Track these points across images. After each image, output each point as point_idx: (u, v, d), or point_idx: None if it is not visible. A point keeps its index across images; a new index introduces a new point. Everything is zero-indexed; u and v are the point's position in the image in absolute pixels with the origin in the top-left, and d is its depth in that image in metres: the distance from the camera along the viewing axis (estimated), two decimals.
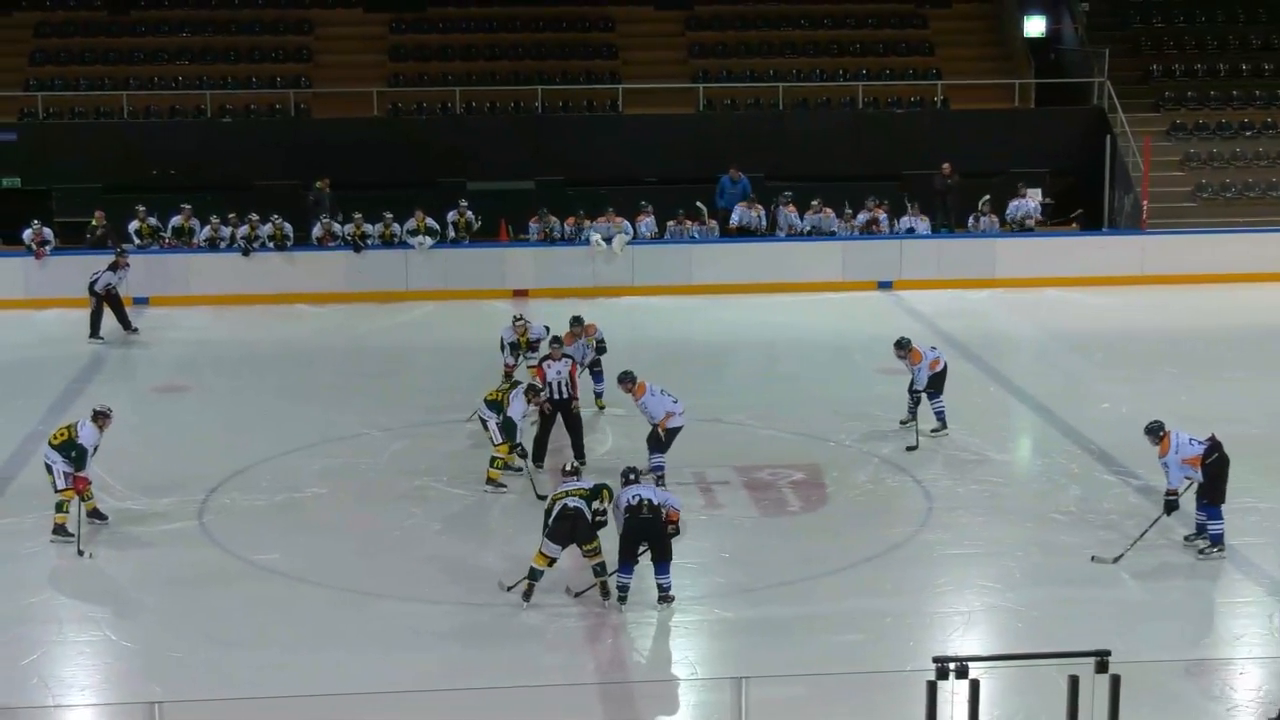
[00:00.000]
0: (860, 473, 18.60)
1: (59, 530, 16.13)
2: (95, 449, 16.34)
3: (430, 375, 21.38)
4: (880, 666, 12.91)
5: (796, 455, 19.20)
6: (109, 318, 26.00)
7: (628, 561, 14.46)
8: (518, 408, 17.60)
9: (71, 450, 16.12)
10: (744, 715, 8.41)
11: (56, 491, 16.18)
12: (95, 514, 16.61)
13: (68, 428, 16.44)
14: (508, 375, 20.36)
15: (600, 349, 20.81)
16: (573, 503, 14.54)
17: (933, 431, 19.52)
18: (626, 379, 17.92)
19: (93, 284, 25.91)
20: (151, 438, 20.35)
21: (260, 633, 14.03)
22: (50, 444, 16.33)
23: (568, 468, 15.44)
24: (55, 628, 14.32)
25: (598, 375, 20.88)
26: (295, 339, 26.70)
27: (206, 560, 15.85)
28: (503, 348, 20.98)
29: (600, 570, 14.56)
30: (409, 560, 15.79)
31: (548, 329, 20.53)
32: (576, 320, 20.66)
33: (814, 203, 30.45)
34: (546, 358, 18.92)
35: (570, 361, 19.06)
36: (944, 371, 19.74)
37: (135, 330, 26.35)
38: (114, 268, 26.14)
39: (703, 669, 13.37)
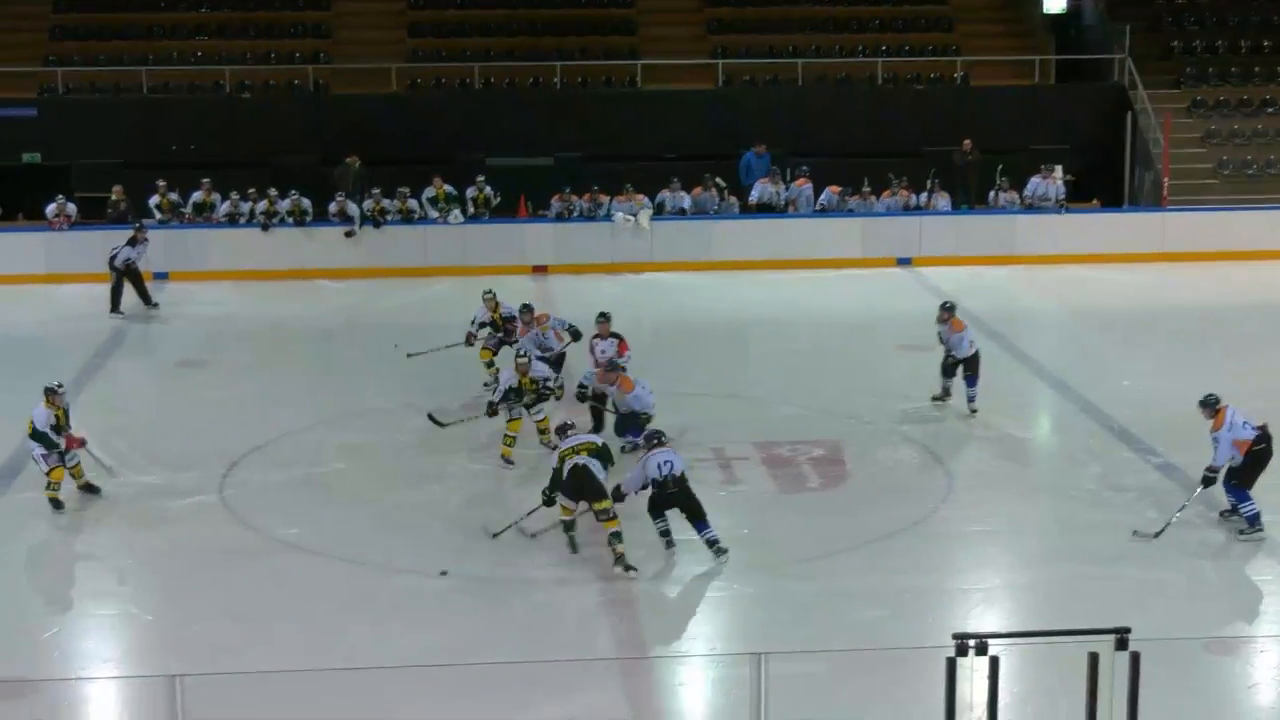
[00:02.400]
0: (880, 449, 18.59)
1: (55, 504, 16.36)
2: (56, 423, 16.42)
3: (450, 351, 21.30)
4: (900, 643, 12.90)
5: (816, 431, 19.17)
6: (129, 293, 26.04)
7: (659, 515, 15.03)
8: (505, 375, 17.87)
9: (35, 436, 16.32)
10: (763, 691, 8.41)
11: (44, 475, 16.44)
12: (88, 487, 16.75)
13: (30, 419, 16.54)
14: (468, 341, 20.80)
15: (574, 335, 20.10)
16: (581, 460, 14.80)
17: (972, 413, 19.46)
18: (615, 369, 17.94)
19: (112, 259, 25.96)
20: (172, 412, 20.45)
21: (281, 607, 14.07)
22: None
23: (564, 423, 15.86)
24: (76, 601, 14.45)
25: (558, 366, 19.74)
26: (315, 314, 26.73)
27: (227, 535, 15.90)
28: (473, 323, 20.93)
29: (616, 540, 14.67)
30: (429, 535, 15.81)
31: (529, 306, 20.47)
32: (526, 308, 20.24)
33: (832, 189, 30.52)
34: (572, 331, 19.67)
35: (617, 340, 19.03)
36: (978, 355, 19.60)
37: (155, 305, 26.40)
38: (133, 242, 26.17)
39: (721, 645, 13.38)
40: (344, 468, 18.05)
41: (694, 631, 13.86)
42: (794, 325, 25.73)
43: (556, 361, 19.57)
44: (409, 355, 21.70)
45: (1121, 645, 8.00)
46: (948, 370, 19.73)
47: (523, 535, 15.30)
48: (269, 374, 22.36)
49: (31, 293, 27.75)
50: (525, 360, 17.90)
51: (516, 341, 19.78)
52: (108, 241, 26.68)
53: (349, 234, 29.20)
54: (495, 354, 20.51)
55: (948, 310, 19.56)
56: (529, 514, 15.37)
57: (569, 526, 15.14)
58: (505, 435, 17.72)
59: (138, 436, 18.84)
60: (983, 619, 13.78)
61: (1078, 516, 16.26)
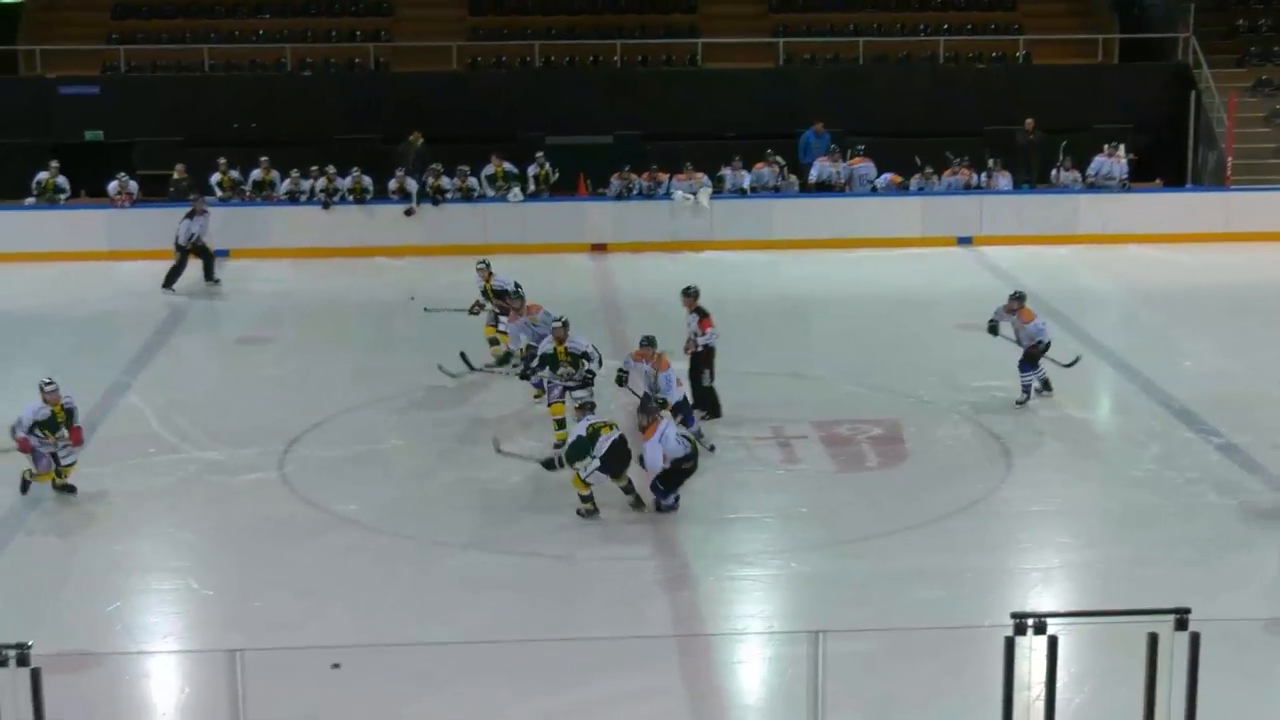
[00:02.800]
0: (939, 428, 18.54)
1: (24, 486, 16.22)
2: (52, 418, 16.01)
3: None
4: (958, 622, 12.88)
5: (875, 410, 19.17)
6: (192, 270, 26.24)
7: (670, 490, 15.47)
8: (514, 332, 18.89)
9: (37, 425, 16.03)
10: (820, 669, 8.42)
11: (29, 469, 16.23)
12: (66, 487, 16.29)
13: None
14: (473, 310, 21.09)
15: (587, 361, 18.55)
16: (618, 434, 15.33)
17: (1017, 403, 19.17)
18: (650, 343, 17.18)
19: (177, 239, 26.17)
20: (233, 389, 20.60)
21: (338, 582, 14.15)
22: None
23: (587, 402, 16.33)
24: (138, 576, 14.53)
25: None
26: (375, 291, 26.85)
27: (286, 510, 16.01)
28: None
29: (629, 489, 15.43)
30: (487, 512, 15.89)
31: (517, 285, 20.51)
32: (517, 290, 20.23)
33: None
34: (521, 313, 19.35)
35: (700, 316, 18.62)
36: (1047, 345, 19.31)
37: (217, 282, 26.59)
38: (191, 215, 26.37)
39: (779, 623, 13.37)
40: (402, 444, 18.14)
41: (751, 610, 13.83)
42: (854, 304, 25.73)
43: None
44: (425, 310, 21.87)
45: (1181, 626, 7.98)
46: (1033, 353, 19.12)
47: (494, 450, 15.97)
48: (328, 351, 22.46)
49: (93, 270, 28.03)
50: (561, 326, 17.80)
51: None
52: (169, 219, 26.92)
53: (408, 212, 29.35)
54: (496, 329, 20.48)
55: (1018, 300, 19.20)
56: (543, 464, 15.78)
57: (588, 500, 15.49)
58: (554, 421, 17.71)
59: (199, 413, 18.98)
60: (1041, 599, 13.78)
61: (1138, 497, 16.20)
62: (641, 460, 15.39)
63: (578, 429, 15.53)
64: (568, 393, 17.65)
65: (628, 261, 28.25)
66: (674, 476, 15.47)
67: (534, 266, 27.96)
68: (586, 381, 17.77)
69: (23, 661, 7.42)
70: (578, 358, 17.73)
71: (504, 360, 20.17)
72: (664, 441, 15.30)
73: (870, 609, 13.40)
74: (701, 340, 18.46)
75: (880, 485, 16.88)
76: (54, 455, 16.14)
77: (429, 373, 20.57)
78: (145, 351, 22.06)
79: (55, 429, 15.97)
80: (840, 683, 8.67)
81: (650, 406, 15.79)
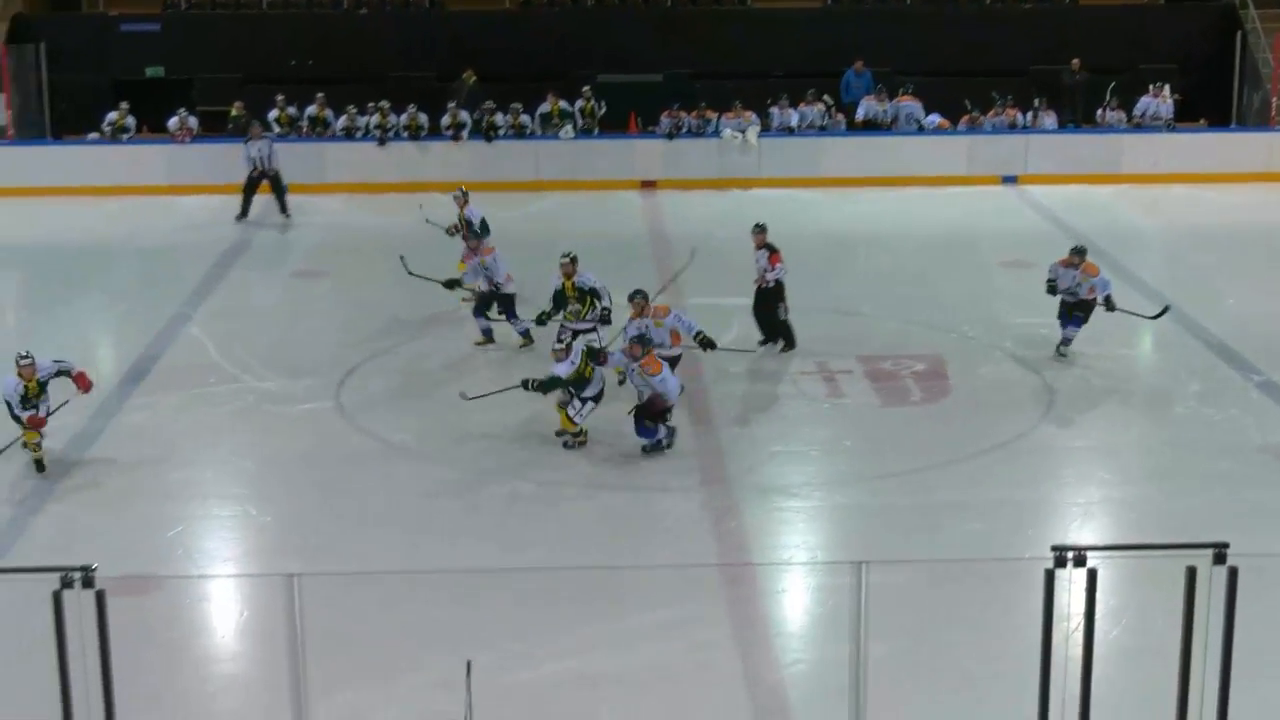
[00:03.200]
0: (982, 364, 18.77)
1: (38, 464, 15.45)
2: (26, 394, 15.17)
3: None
4: (999, 555, 13.12)
5: (919, 346, 19.41)
6: (260, 201, 26.65)
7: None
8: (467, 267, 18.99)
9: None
10: (863, 598, 8.66)
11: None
12: (38, 464, 15.41)
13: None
14: (449, 232, 21.81)
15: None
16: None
17: (1058, 351, 18.96)
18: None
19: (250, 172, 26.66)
20: (291, 321, 20.96)
21: (393, 510, 14.50)
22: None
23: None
24: (199, 503, 14.88)
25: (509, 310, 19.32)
26: (429, 226, 27.02)
27: (342, 439, 16.36)
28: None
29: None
30: (541, 443, 16.15)
31: (484, 221, 21.25)
32: (482, 228, 20.48)
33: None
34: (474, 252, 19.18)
35: (769, 252, 18.83)
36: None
37: (288, 216, 26.89)
38: (248, 140, 26.83)
39: (822, 554, 13.64)
40: (458, 376, 18.42)
41: (794, 540, 14.12)
42: (899, 242, 25.85)
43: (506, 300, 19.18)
44: (427, 221, 22.40)
45: (1219, 560, 8.02)
46: (1106, 304, 18.62)
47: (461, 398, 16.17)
48: (385, 283, 22.69)
49: (154, 204, 28.37)
50: (569, 261, 17.75)
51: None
52: (228, 154, 27.43)
53: (456, 139, 29.57)
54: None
55: (1079, 254, 18.84)
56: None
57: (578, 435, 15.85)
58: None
59: (257, 345, 19.37)
60: (1081, 533, 14.00)
61: (1178, 433, 16.42)
62: (647, 400, 15.48)
63: (559, 368, 15.66)
64: (579, 336, 17.39)
65: (677, 199, 28.43)
66: (663, 414, 15.62)
67: (584, 203, 28.29)
68: (604, 319, 17.75)
69: (88, 584, 7.58)
70: (586, 294, 17.74)
71: (450, 285, 19.96)
72: (667, 376, 15.55)
73: (912, 541, 13.66)
74: (771, 275, 18.73)
75: (923, 420, 17.11)
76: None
77: None
78: (206, 283, 22.42)
79: (31, 404, 15.20)
80: (882, 612, 8.90)
81: (645, 340, 15.75)
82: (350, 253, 25.36)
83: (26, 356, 15.18)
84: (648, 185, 29.68)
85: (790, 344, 18.91)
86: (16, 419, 15.26)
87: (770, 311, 18.91)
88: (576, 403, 15.66)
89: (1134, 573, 11.75)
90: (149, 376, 18.05)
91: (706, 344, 17.02)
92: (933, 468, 15.48)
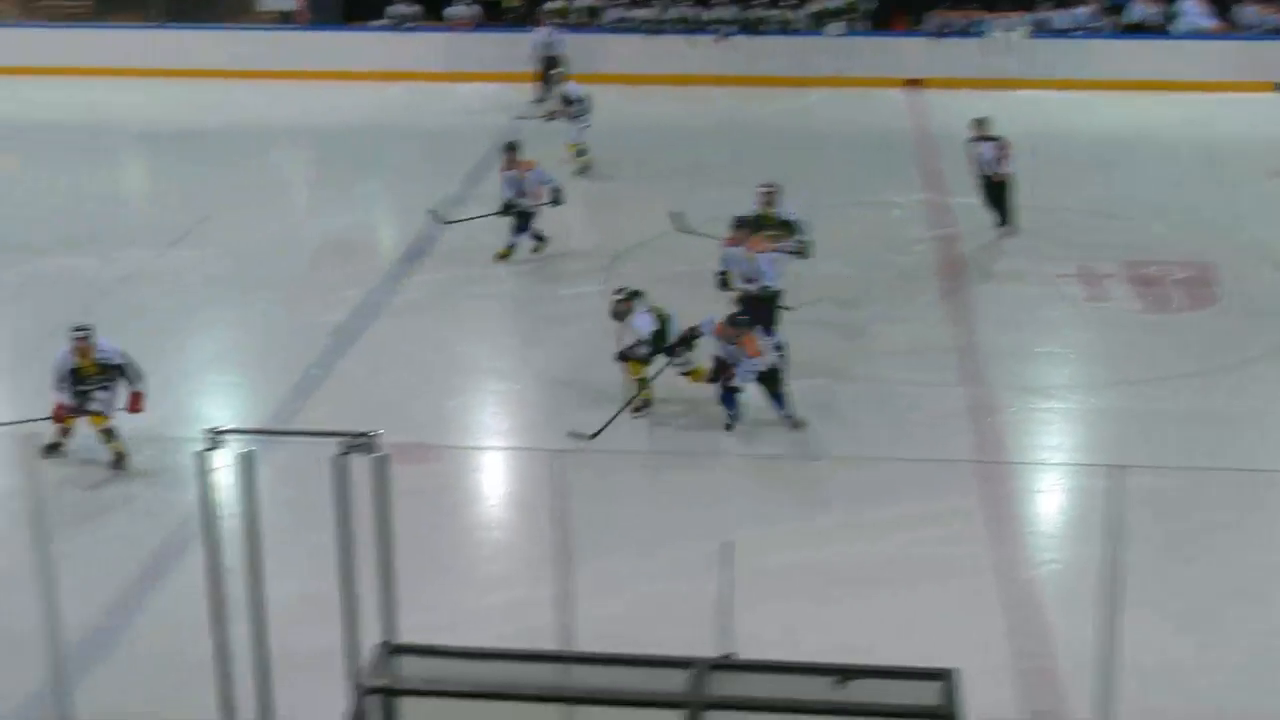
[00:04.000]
0: (1250, 273, 18.49)
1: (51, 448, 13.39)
2: (77, 372, 13.12)
3: (820, 162, 21.76)
4: (1261, 465, 13.08)
5: (1184, 253, 19.20)
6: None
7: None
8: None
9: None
10: (1121, 503, 8.73)
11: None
12: (117, 459, 13.34)
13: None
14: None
15: (556, 199, 18.78)
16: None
17: None
18: (742, 225, 15.67)
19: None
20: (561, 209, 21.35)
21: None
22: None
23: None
24: (477, 378, 15.62)
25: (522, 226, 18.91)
26: (696, 119, 27.21)
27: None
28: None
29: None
30: (808, 338, 15.82)
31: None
32: (510, 147, 19.19)
33: None
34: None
35: (996, 142, 19.34)
36: None
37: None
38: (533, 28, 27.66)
39: (1079, 457, 13.71)
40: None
41: (1052, 442, 14.27)
42: (1169, 146, 25.37)
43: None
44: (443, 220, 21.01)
45: None
46: None
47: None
48: (652, 176, 22.98)
49: (433, 90, 29.01)
50: (768, 191, 17.07)
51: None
52: (505, 43, 28.18)
53: (718, 39, 29.70)
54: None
55: None
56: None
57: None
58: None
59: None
60: None
61: None
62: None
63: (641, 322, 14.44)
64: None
65: (942, 99, 28.25)
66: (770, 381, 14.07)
67: (847, 100, 28.24)
68: (800, 253, 16.61)
69: (371, 449, 7.92)
70: (783, 224, 16.92)
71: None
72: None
73: (1170, 448, 13.60)
74: (1004, 169, 19.15)
75: (1187, 327, 17.00)
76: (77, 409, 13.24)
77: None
78: (478, 170, 22.91)
79: (83, 386, 13.12)
80: (1140, 518, 8.99)
81: (739, 321, 14.02)
82: (620, 143, 25.40)
83: (82, 330, 13.09)
84: (913, 84, 29.48)
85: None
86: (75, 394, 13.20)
87: (1004, 198, 19.35)
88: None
89: None
90: (428, 256, 18.70)
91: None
92: (1194, 375, 15.42)
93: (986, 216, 19.55)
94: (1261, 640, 10.63)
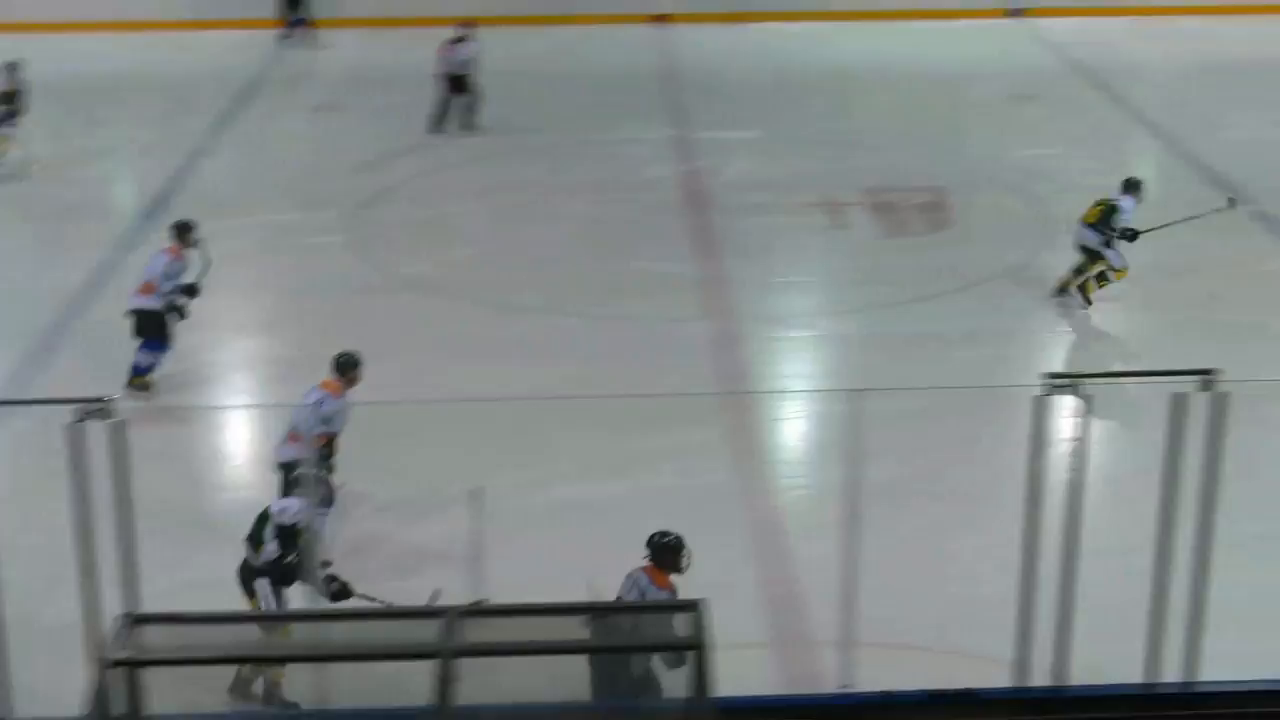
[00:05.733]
0: (984, 196, 19.04)
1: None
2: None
3: (566, 101, 21.71)
4: (995, 381, 13.37)
5: (923, 178, 19.60)
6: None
7: None
8: None
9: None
10: (859, 425, 8.89)
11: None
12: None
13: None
14: None
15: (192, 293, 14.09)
16: None
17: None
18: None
19: None
20: (307, 155, 21.09)
21: (405, 342, 14.69)
22: None
23: None
24: (216, 334, 15.18)
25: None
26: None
27: (357, 272, 16.64)
28: None
29: None
30: (553, 276, 16.51)
31: None
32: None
33: None
34: None
35: None
36: None
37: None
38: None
39: (822, 382, 14.00)
40: (474, 209, 18.81)
41: (796, 369, 14.55)
42: (907, 76, 25.73)
43: None
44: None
45: (1206, 387, 8.09)
46: None
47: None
48: (400, 120, 22.73)
49: (177, 39, 28.24)
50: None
51: None
52: None
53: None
54: None
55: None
56: None
57: None
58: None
59: (275, 177, 19.55)
60: (1075, 359, 14.36)
61: (1171, 261, 16.58)
62: None
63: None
64: None
65: (688, 33, 28.20)
66: None
67: (594, 38, 28.07)
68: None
69: (107, 414, 7.69)
70: None
71: None
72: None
73: (912, 369, 13.92)
74: None
75: (926, 250, 17.41)
76: None
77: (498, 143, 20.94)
78: (224, 118, 22.47)
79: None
80: (881, 439, 9.16)
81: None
82: (368, 88, 25.17)
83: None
84: (659, 19, 29.40)
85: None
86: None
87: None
88: None
89: (1126, 400, 12.00)
90: (168, 209, 18.32)
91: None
92: (933, 297, 15.81)
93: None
94: (993, 552, 10.89)
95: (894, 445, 11.42)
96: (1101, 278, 15.40)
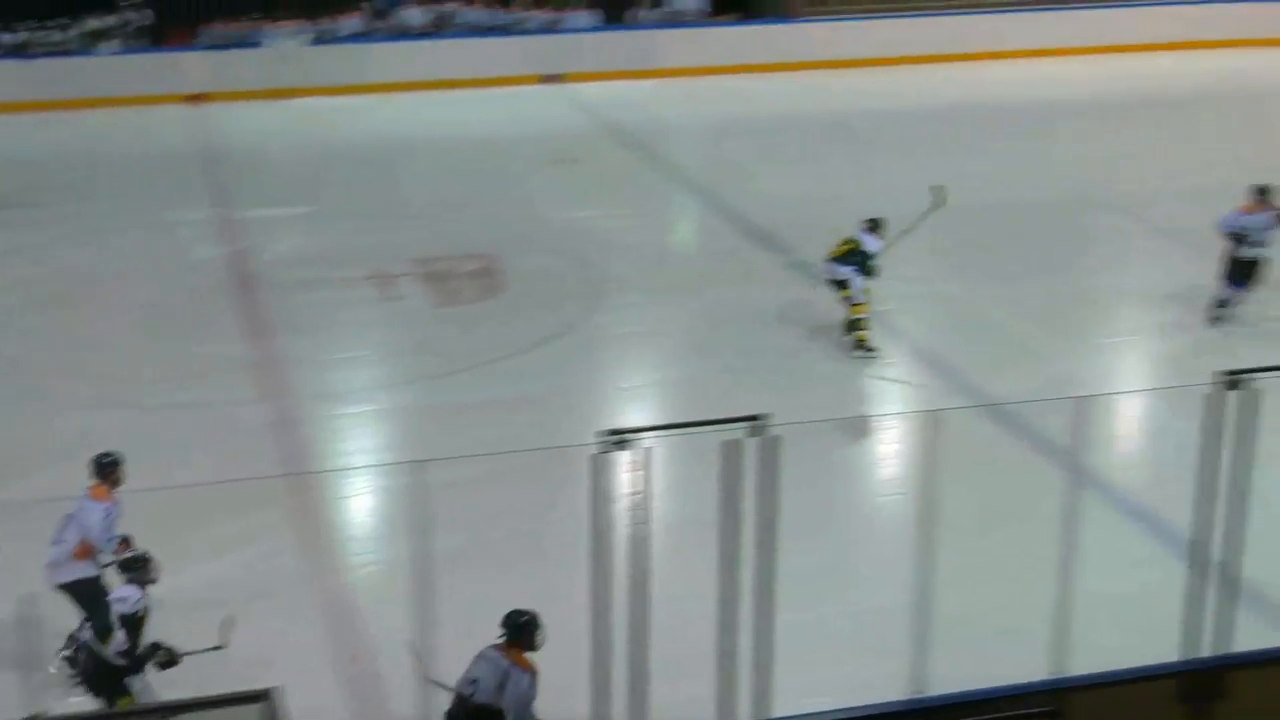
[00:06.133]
0: (534, 260, 19.23)
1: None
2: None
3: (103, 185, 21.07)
4: (559, 442, 13.49)
5: (471, 246, 19.71)
6: None
7: None
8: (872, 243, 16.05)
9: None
10: (425, 495, 8.87)
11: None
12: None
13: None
14: None
15: None
16: None
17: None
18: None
19: None
20: None
21: None
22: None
23: None
24: None
25: None
26: None
27: None
28: None
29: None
30: (102, 366, 15.96)
31: None
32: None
33: None
34: None
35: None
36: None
37: None
38: None
39: (385, 456, 13.86)
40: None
41: (358, 445, 14.44)
42: (448, 145, 25.89)
43: None
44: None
45: (756, 432, 8.34)
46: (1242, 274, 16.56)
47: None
48: None
49: None
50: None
51: None
52: None
53: None
54: None
55: (1265, 194, 16.41)
56: None
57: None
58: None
59: None
60: (630, 415, 14.50)
61: (720, 311, 17.15)
62: None
63: None
64: None
65: (225, 111, 27.80)
66: None
67: (128, 120, 27.37)
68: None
69: None
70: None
71: None
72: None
73: (473, 435, 13.92)
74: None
75: (479, 317, 17.53)
76: None
77: None
78: None
79: None
80: (445, 507, 9.20)
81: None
82: None
83: None
84: (195, 99, 28.88)
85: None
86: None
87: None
88: None
89: (680, 450, 12.24)
90: None
91: None
92: (489, 363, 15.91)
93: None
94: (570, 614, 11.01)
95: (459, 511, 11.43)
96: (855, 324, 15.91)
